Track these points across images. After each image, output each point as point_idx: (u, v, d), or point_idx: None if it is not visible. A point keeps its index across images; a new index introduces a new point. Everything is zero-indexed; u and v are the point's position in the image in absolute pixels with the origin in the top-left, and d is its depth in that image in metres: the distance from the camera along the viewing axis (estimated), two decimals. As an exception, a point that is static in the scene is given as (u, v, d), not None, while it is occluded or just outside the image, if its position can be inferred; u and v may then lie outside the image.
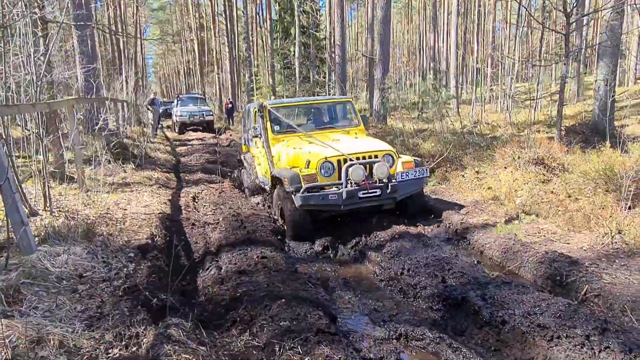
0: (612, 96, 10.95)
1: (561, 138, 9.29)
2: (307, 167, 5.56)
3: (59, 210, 5.35)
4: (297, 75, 21.76)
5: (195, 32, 34.87)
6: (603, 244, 4.58)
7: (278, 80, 26.26)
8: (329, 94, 19.29)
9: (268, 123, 6.56)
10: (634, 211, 5.07)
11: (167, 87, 59.02)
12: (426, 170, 5.92)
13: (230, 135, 18.65)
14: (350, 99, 7.53)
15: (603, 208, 5.23)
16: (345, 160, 5.54)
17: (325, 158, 5.54)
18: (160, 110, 18.31)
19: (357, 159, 5.58)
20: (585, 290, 3.77)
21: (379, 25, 16.21)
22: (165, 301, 3.54)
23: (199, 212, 6.45)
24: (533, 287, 3.83)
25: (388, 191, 5.48)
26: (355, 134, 6.80)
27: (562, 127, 9.58)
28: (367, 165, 5.60)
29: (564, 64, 9.52)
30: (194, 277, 4.52)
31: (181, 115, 19.25)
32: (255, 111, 6.77)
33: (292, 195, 5.30)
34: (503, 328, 3.28)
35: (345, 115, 7.41)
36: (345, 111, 7.45)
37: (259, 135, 6.33)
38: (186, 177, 8.97)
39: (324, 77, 22.38)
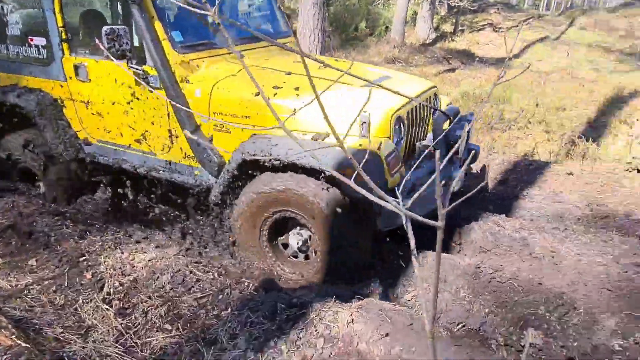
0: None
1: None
2: (366, 134, 2.47)
3: None
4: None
5: None
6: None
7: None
8: None
9: (159, 26, 2.79)
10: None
11: None
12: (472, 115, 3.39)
13: None
14: None
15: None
16: (415, 112, 2.86)
17: (396, 110, 2.66)
18: None
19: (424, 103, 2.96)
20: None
21: None
22: None
23: None
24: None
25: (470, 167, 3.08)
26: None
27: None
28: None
29: None
30: None
31: None
32: None
33: (373, 209, 2.46)
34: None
35: (266, 14, 3.80)
36: (259, 7, 3.83)
37: (126, 56, 2.69)
38: None
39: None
